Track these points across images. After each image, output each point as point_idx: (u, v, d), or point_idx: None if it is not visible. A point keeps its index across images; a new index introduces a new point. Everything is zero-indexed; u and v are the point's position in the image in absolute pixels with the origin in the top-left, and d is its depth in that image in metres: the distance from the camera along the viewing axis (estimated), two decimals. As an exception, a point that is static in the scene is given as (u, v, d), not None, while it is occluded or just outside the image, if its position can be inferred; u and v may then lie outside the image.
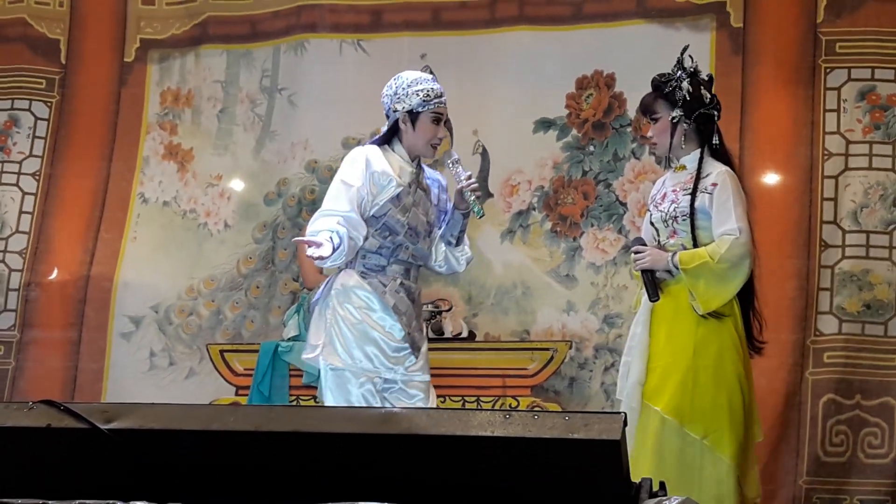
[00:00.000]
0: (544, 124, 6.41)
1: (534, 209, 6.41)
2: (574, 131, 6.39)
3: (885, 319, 5.92)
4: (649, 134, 4.71)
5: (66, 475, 2.59)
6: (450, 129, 6.45)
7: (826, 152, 6.03)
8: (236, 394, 6.26)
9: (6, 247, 6.81)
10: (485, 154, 6.45)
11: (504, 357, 6.13)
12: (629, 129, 6.31)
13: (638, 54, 6.27)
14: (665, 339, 4.52)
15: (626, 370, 4.64)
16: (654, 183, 6.23)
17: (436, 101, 4.58)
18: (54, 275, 6.76)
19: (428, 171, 4.80)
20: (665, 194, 4.66)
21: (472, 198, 4.55)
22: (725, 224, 4.50)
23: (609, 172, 6.31)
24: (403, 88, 4.61)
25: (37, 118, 6.91)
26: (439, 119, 4.62)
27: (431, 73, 6.42)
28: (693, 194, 4.54)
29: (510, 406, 5.97)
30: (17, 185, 6.88)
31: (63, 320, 6.67)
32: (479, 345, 6.18)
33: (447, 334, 6.07)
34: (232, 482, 2.59)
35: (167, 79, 6.91)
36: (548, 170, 6.39)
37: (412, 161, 4.66)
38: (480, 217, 4.57)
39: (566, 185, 6.37)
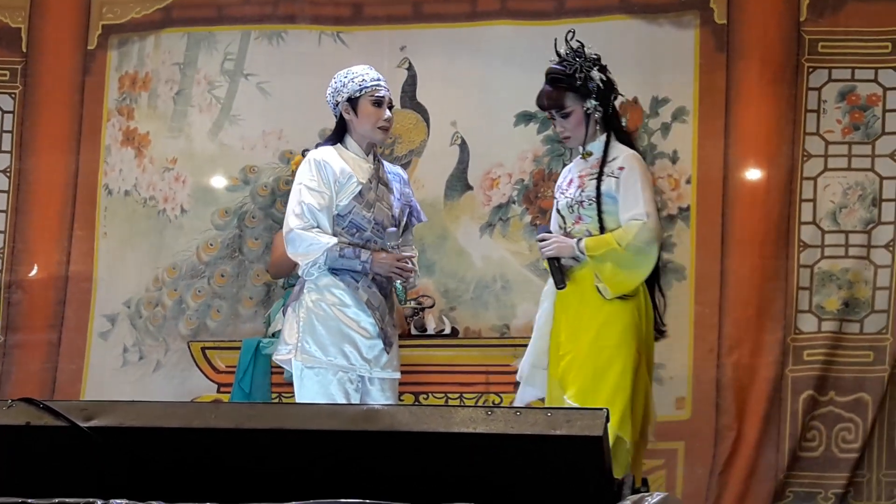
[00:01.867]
0: (525, 117, 6.42)
1: (514, 202, 6.43)
2: (555, 124, 6.40)
3: (861, 317, 5.99)
4: (559, 129, 4.65)
5: (45, 474, 2.61)
6: (426, 119, 6.52)
7: (805, 153, 6.08)
8: (218, 391, 6.26)
9: (-17, 246, 6.75)
10: (463, 146, 6.47)
11: (487, 353, 6.14)
12: (612, 125, 6.32)
13: (620, 50, 6.26)
14: (572, 327, 4.51)
15: (532, 348, 4.67)
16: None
17: (373, 84, 4.69)
18: (34, 272, 6.71)
19: (387, 165, 4.89)
20: (571, 181, 4.62)
21: (399, 282, 4.69)
22: (633, 209, 4.45)
23: (591, 167, 6.33)
24: (341, 80, 4.75)
25: (3, 111, 6.82)
26: (380, 102, 4.71)
27: (410, 65, 6.50)
28: (599, 179, 4.49)
29: (493, 403, 5.99)
30: (-12, 181, 6.82)
31: (44, 322, 6.64)
32: (461, 341, 6.19)
33: (430, 331, 6.09)
34: (213, 480, 2.61)
35: (126, 63, 6.83)
36: (528, 163, 6.41)
37: (368, 155, 4.72)
38: (402, 303, 4.71)
39: (546, 178, 6.38)
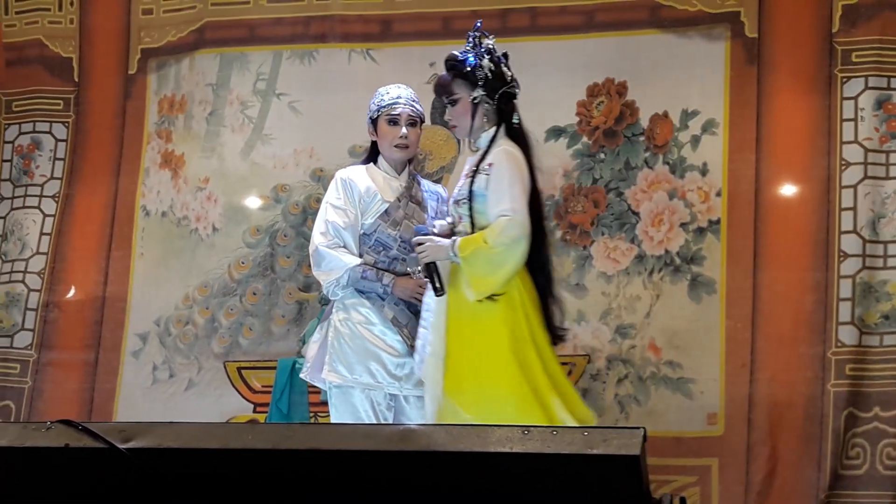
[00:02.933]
0: (555, 133, 6.42)
1: (545, 218, 6.41)
2: (584, 139, 6.40)
3: (903, 330, 5.94)
4: (447, 117, 4.53)
5: (84, 495, 2.62)
6: (456, 136, 6.53)
7: (844, 162, 6.04)
8: (254, 411, 6.27)
9: (26, 267, 6.84)
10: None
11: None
12: (642, 138, 6.32)
13: (650, 63, 6.29)
14: (452, 330, 4.32)
15: (422, 343, 4.46)
16: (667, 193, 6.31)
17: (389, 103, 4.70)
18: (71, 293, 6.80)
19: (426, 183, 4.89)
20: (460, 178, 4.53)
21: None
22: (500, 205, 4.27)
23: (621, 181, 6.32)
24: (371, 101, 4.77)
25: (57, 140, 6.95)
26: (395, 120, 4.72)
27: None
28: (473, 176, 4.35)
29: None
30: (38, 207, 6.92)
31: (80, 342, 6.72)
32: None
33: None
34: (250, 500, 2.62)
35: (164, 87, 6.93)
36: (558, 178, 6.40)
37: (400, 173, 4.74)
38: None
39: (576, 192, 6.38)
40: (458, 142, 6.52)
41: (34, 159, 6.95)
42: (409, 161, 4.88)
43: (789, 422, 5.87)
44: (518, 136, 4.47)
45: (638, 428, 2.55)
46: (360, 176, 4.75)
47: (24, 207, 6.91)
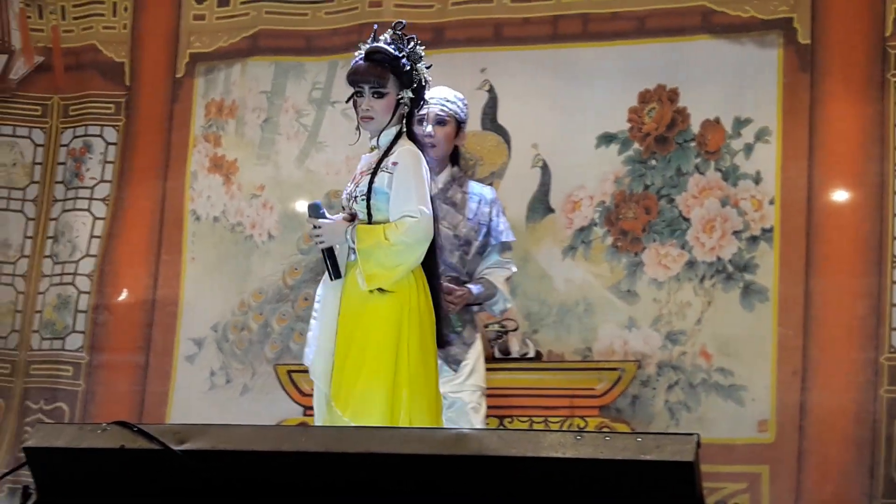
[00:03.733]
0: (606, 139, 6.40)
1: (595, 225, 6.40)
2: (636, 145, 6.38)
3: (956, 334, 5.87)
4: (366, 107, 4.32)
5: (138, 496, 2.64)
6: (507, 142, 6.52)
7: (898, 168, 6.00)
8: (304, 414, 6.29)
9: (76, 269, 6.91)
10: (545, 168, 6.45)
11: (570, 377, 6.11)
12: (693, 145, 6.28)
13: (703, 70, 6.25)
14: (342, 322, 4.24)
15: (313, 334, 4.35)
16: (719, 200, 6.27)
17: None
18: (122, 296, 6.86)
19: (472, 185, 4.86)
20: (354, 176, 4.41)
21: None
22: (406, 205, 4.17)
23: (672, 187, 6.29)
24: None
25: (107, 143, 7.04)
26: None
27: (491, 87, 6.51)
28: (374, 173, 4.25)
29: (578, 427, 5.96)
30: (88, 210, 6.99)
31: (131, 344, 6.77)
32: (545, 365, 6.17)
33: (514, 354, 6.07)
34: (302, 503, 2.63)
35: (212, 90, 6.98)
36: (609, 185, 6.38)
37: (439, 174, 4.70)
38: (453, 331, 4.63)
39: (627, 199, 6.35)
40: (509, 148, 6.52)
41: (84, 162, 7.03)
42: (455, 162, 4.84)
43: (841, 428, 5.82)
44: (415, 140, 4.37)
45: (692, 434, 2.53)
46: None
47: (74, 210, 6.98)
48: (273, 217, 6.76)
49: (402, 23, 4.40)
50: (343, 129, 6.72)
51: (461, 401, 4.75)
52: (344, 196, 4.38)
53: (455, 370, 4.70)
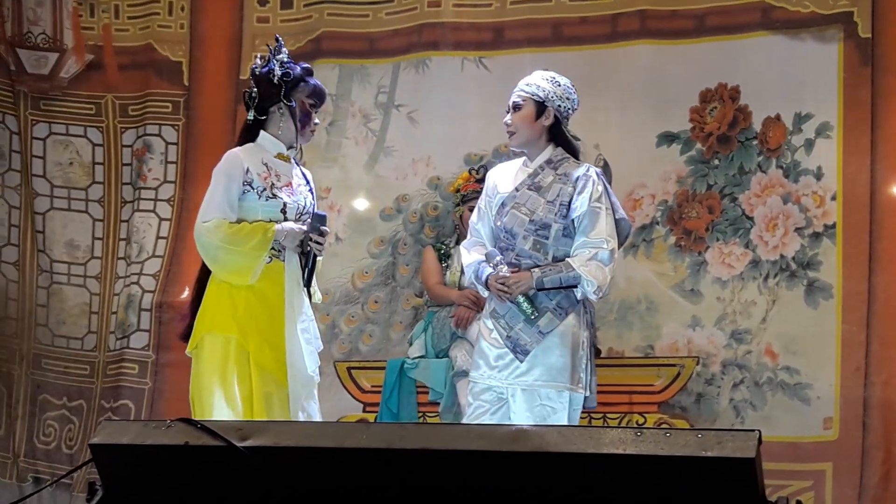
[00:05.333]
0: (667, 138, 6.36)
1: (657, 223, 6.37)
2: (698, 145, 6.34)
3: None
4: (316, 122, 4.63)
5: (202, 492, 2.65)
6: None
7: (960, 162, 5.91)
8: (363, 410, 6.31)
9: (142, 269, 6.96)
10: (606, 168, 6.42)
11: (630, 373, 6.08)
12: (755, 143, 6.23)
13: (763, 66, 6.19)
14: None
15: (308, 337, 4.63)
16: (781, 197, 6.21)
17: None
18: (185, 295, 6.89)
19: (567, 166, 4.54)
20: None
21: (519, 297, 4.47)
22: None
23: (735, 186, 6.24)
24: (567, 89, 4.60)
25: (167, 143, 7.06)
26: (507, 109, 4.67)
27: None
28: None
29: (637, 423, 5.92)
30: (153, 211, 7.03)
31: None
32: (604, 361, 6.13)
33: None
34: (363, 499, 2.62)
35: (278, 94, 7.00)
36: (671, 184, 6.35)
37: (533, 160, 4.59)
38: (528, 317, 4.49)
39: (690, 198, 6.32)
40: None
41: (146, 162, 7.07)
42: (559, 142, 4.58)
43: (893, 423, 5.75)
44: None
45: (753, 430, 2.49)
46: (496, 171, 4.70)
47: (140, 211, 7.02)
48: (341, 220, 6.77)
49: (277, 37, 4.74)
50: (408, 132, 6.73)
51: (533, 391, 4.46)
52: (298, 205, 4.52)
53: (521, 360, 4.44)
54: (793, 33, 6.19)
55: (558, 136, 4.58)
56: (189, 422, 2.64)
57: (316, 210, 4.55)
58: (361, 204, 6.79)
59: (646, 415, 5.95)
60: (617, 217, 4.50)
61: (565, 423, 4.41)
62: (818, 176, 6.12)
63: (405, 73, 6.77)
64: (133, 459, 2.64)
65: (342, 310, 6.71)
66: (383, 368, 6.19)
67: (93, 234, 7.10)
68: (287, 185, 4.44)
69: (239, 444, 2.58)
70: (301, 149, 4.66)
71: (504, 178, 4.61)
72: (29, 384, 6.99)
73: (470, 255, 4.62)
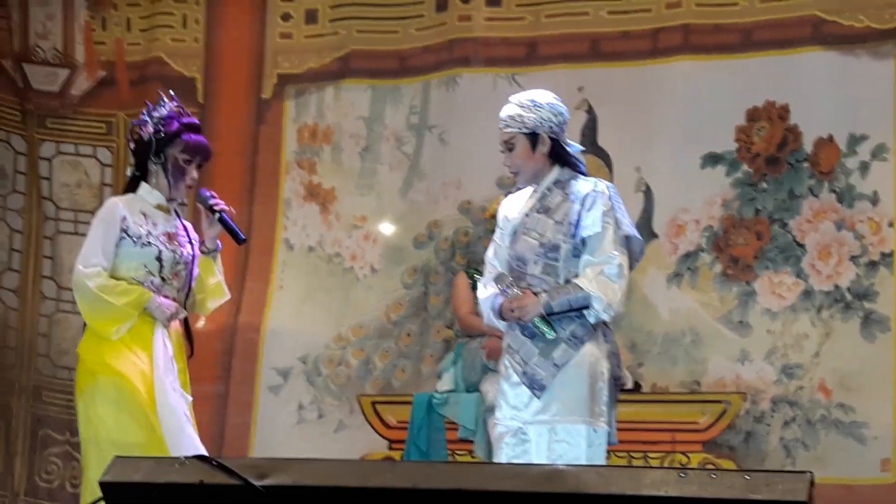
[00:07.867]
0: (712, 159, 6.36)
1: (702, 251, 6.36)
2: (745, 166, 6.33)
3: None
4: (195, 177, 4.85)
5: (218, 533, 2.65)
6: (608, 164, 6.49)
7: None
8: (389, 448, 6.30)
9: (157, 294, 6.97)
10: (648, 192, 6.42)
11: (673, 410, 6.07)
12: (806, 165, 6.22)
13: (814, 84, 6.19)
14: None
15: None
16: (835, 223, 6.19)
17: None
18: (201, 324, 6.90)
19: (575, 184, 4.52)
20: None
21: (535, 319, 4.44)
22: None
23: (784, 211, 6.23)
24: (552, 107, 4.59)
25: (179, 162, 7.09)
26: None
27: (590, 107, 6.49)
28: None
29: (680, 463, 5.91)
30: (167, 233, 7.05)
31: (210, 373, 6.79)
32: (645, 396, 6.13)
33: (608, 384, 6.03)
34: (389, 542, 2.62)
35: (304, 114, 7.01)
36: (717, 208, 6.34)
37: (537, 189, 4.59)
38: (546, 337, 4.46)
39: (737, 224, 6.31)
40: (610, 171, 6.49)
41: (157, 181, 7.07)
42: (564, 163, 4.56)
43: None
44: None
45: (805, 472, 2.48)
46: (507, 202, 4.71)
47: (152, 234, 7.03)
48: (377, 250, 6.78)
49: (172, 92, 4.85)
50: (440, 154, 6.74)
51: (550, 428, 4.43)
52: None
53: (538, 395, 4.40)
54: (846, 49, 6.19)
55: (561, 155, 4.60)
56: (204, 459, 2.65)
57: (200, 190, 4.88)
58: (395, 232, 6.80)
59: (689, 454, 5.93)
60: (627, 234, 4.47)
61: (583, 459, 4.38)
62: (874, 201, 6.10)
63: (436, 92, 6.79)
64: (145, 498, 2.65)
65: (377, 345, 6.72)
66: (409, 403, 6.17)
67: (100, 260, 7.12)
68: (164, 235, 4.77)
69: (257, 483, 2.58)
70: (185, 201, 5.00)
71: (514, 206, 4.62)
72: (28, 418, 7.00)
73: (486, 291, 4.60)
